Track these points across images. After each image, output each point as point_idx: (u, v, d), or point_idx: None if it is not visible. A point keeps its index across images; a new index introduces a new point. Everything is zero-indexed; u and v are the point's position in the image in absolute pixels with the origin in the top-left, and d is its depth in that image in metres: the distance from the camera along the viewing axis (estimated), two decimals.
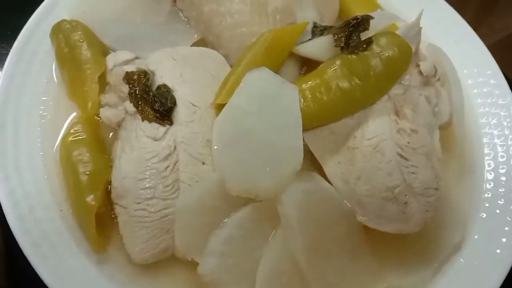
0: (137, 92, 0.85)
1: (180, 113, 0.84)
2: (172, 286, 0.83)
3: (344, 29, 0.87)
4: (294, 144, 0.80)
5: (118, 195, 0.80)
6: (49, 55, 0.98)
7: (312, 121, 0.83)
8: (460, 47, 1.13)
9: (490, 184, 0.99)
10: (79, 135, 0.88)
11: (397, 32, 0.90)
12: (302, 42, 0.93)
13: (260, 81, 0.83)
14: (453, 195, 0.95)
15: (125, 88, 0.86)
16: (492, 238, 0.92)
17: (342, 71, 0.83)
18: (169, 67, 0.89)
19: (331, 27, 0.94)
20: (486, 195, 0.97)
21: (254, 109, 0.81)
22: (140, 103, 0.85)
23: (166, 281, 0.83)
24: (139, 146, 0.82)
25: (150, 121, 0.83)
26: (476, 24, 1.22)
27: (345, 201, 0.84)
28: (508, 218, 0.93)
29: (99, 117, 0.89)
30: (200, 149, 0.83)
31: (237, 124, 0.81)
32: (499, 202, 0.96)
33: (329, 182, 0.84)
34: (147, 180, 0.80)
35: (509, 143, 1.03)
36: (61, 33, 0.96)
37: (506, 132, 1.04)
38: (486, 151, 1.03)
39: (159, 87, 0.86)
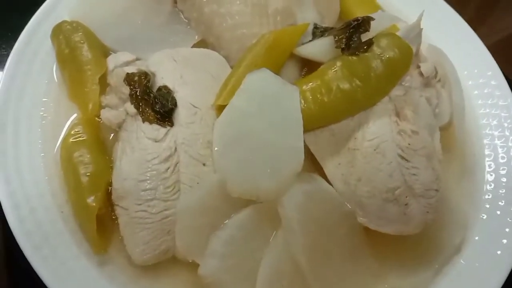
0: (138, 94, 0.85)
1: (181, 114, 0.84)
2: None
3: (344, 30, 0.87)
4: (295, 145, 0.80)
5: (118, 196, 0.80)
6: (50, 56, 0.98)
7: (313, 122, 0.83)
8: (460, 48, 1.13)
9: (490, 185, 0.98)
10: (79, 137, 0.87)
11: (398, 33, 0.90)
12: (303, 43, 0.92)
13: (261, 82, 0.82)
14: (454, 196, 0.95)
15: (126, 90, 0.86)
16: (492, 240, 0.92)
17: (342, 72, 0.83)
18: (169, 68, 0.89)
19: (331, 28, 0.94)
20: (486, 196, 0.97)
21: (255, 110, 0.81)
22: (140, 104, 0.85)
23: (167, 283, 0.83)
24: (140, 147, 0.82)
25: (150, 122, 0.83)
26: (476, 24, 1.21)
27: (345, 203, 0.84)
28: (508, 219, 0.93)
29: (100, 119, 0.89)
30: (201, 151, 0.83)
31: (238, 125, 0.81)
32: (500, 203, 0.96)
33: (330, 183, 0.84)
34: (148, 181, 0.79)
35: (510, 144, 1.03)
36: (61, 34, 0.96)
37: (507, 133, 1.04)
38: (486, 152, 1.03)
39: (159, 89, 0.86)
